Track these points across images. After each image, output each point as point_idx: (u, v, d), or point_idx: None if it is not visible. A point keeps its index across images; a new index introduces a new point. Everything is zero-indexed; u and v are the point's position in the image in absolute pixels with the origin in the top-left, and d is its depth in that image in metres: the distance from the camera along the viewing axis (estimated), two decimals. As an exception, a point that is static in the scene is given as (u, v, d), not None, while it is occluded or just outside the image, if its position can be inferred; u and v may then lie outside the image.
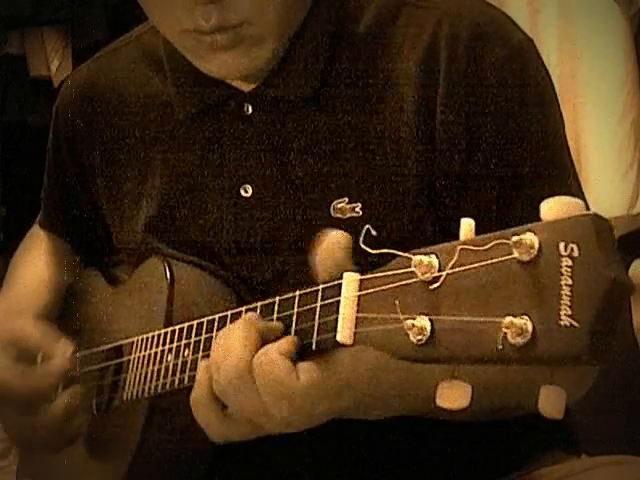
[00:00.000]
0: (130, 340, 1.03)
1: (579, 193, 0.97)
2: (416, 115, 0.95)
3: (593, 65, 2.52)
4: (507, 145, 0.94)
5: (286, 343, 0.78)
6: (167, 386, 0.94)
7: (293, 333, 0.77)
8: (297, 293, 0.78)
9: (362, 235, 0.70)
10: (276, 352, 0.77)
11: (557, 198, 0.59)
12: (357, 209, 0.96)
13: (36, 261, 1.21)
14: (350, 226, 0.95)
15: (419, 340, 0.63)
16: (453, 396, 0.62)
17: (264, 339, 0.79)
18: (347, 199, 0.97)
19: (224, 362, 0.79)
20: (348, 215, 0.96)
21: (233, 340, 0.79)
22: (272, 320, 0.80)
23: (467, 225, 0.63)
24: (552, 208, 0.58)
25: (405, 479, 1.02)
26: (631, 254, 1.74)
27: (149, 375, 0.98)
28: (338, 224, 0.96)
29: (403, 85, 0.96)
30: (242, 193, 1.01)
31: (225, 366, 0.79)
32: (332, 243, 0.77)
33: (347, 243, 0.76)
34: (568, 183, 0.97)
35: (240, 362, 0.78)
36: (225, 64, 0.94)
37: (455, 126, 0.94)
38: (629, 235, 2.06)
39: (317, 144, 0.98)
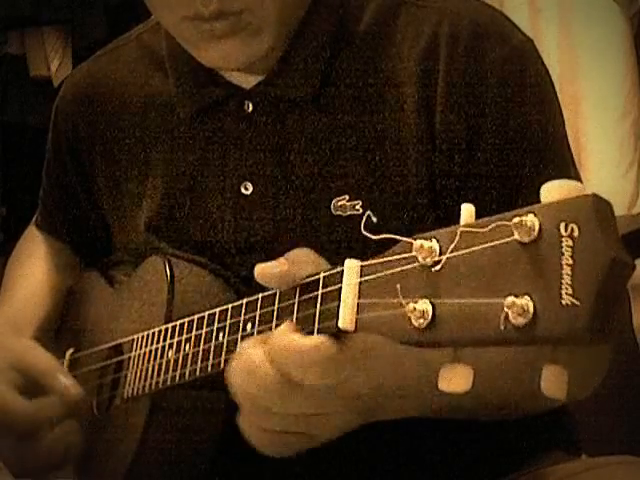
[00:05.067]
0: (130, 338, 1.03)
1: None
2: (416, 115, 0.95)
3: (593, 65, 2.52)
4: (508, 145, 0.94)
5: (287, 324, 0.76)
6: (168, 382, 0.94)
7: (294, 322, 0.77)
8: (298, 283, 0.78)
9: (363, 221, 0.70)
10: (284, 329, 0.75)
11: (557, 181, 0.59)
12: (357, 207, 0.96)
13: (35, 267, 1.21)
14: (351, 224, 0.96)
15: (421, 324, 0.63)
16: (455, 380, 0.62)
17: None
18: (347, 197, 0.97)
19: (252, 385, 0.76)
20: (349, 213, 0.96)
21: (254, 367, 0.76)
22: (273, 310, 0.80)
23: (467, 210, 0.63)
24: (552, 190, 0.58)
25: (405, 479, 1.02)
26: (631, 254, 1.73)
27: (150, 371, 0.98)
28: (339, 222, 0.97)
29: (403, 85, 0.96)
30: (242, 191, 1.01)
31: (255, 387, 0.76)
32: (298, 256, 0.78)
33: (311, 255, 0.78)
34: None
35: (267, 376, 0.75)
36: (223, 53, 0.94)
37: (455, 126, 0.94)
38: (629, 235, 2.05)
39: (317, 143, 0.98)
